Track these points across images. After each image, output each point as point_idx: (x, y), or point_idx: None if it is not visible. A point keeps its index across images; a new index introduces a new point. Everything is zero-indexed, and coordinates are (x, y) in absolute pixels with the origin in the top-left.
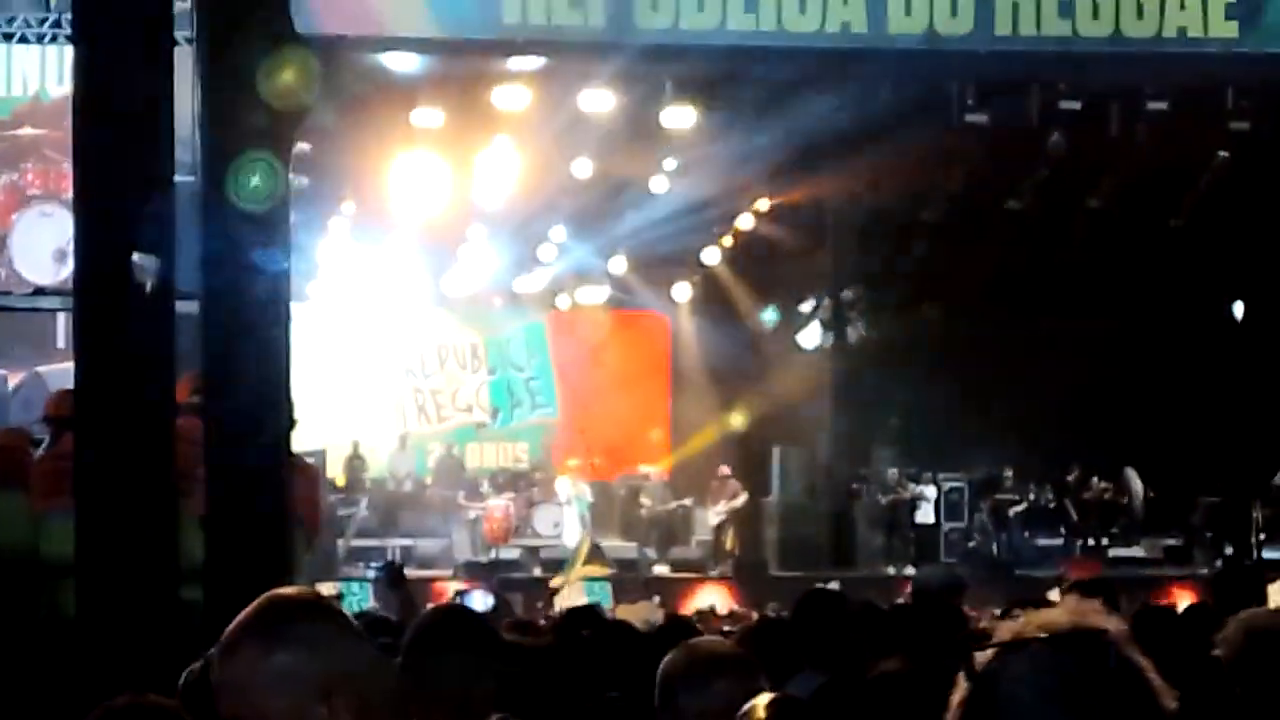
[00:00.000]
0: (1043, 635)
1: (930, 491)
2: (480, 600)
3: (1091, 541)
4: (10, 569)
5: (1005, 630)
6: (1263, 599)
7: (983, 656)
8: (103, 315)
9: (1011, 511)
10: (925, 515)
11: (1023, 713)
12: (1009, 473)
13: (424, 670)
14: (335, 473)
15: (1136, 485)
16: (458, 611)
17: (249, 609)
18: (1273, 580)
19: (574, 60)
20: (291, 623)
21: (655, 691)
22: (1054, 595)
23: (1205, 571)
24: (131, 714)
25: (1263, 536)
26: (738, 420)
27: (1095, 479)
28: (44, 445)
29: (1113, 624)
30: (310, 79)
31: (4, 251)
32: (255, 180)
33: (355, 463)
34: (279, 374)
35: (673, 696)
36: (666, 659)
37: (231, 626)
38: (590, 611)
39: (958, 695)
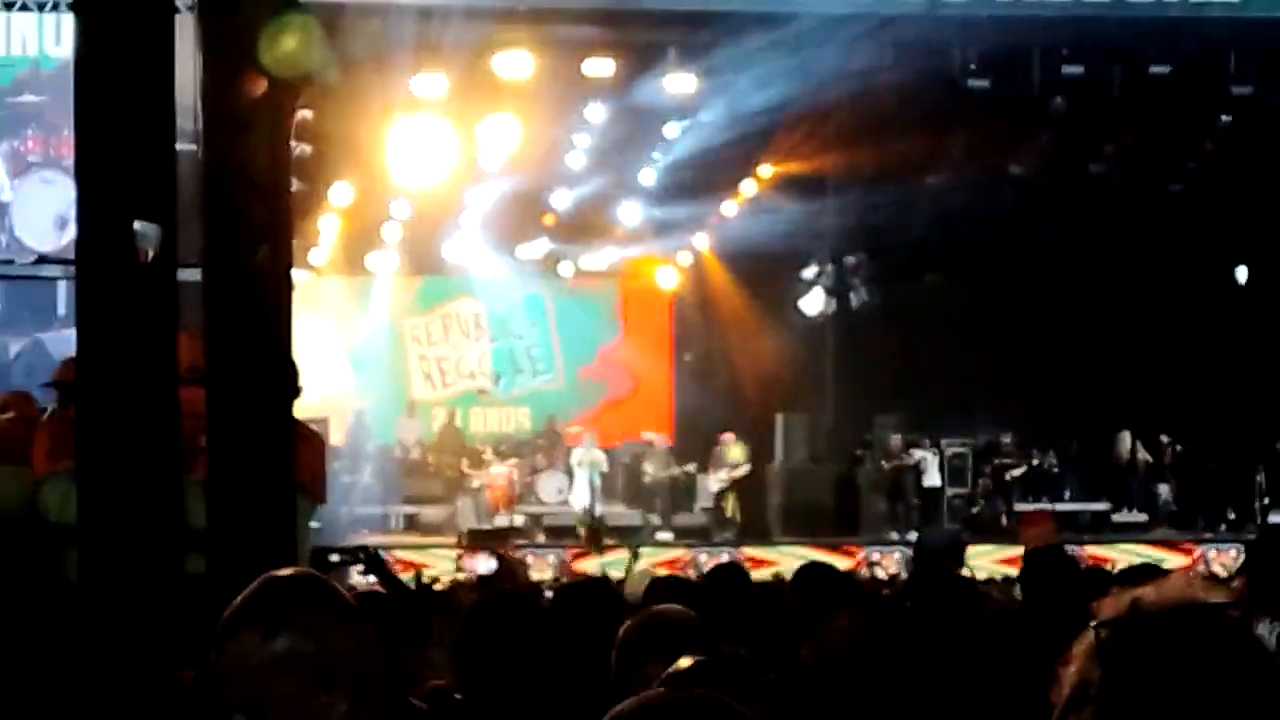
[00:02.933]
0: (1165, 609)
1: (935, 457)
2: (484, 564)
3: (1094, 507)
4: (11, 537)
5: (1116, 606)
6: None
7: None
8: (104, 283)
9: (1010, 476)
10: (930, 480)
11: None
12: (1007, 438)
13: None
14: (339, 440)
15: (1140, 450)
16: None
17: (247, 592)
18: None
19: (576, 27)
20: (292, 607)
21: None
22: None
23: (1209, 535)
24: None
25: (1266, 501)
26: (740, 387)
27: (1121, 441)
28: (49, 411)
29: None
30: (312, 46)
31: (5, 218)
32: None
33: (359, 430)
34: (281, 342)
35: (631, 663)
36: (624, 627)
37: (230, 609)
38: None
39: (1077, 675)
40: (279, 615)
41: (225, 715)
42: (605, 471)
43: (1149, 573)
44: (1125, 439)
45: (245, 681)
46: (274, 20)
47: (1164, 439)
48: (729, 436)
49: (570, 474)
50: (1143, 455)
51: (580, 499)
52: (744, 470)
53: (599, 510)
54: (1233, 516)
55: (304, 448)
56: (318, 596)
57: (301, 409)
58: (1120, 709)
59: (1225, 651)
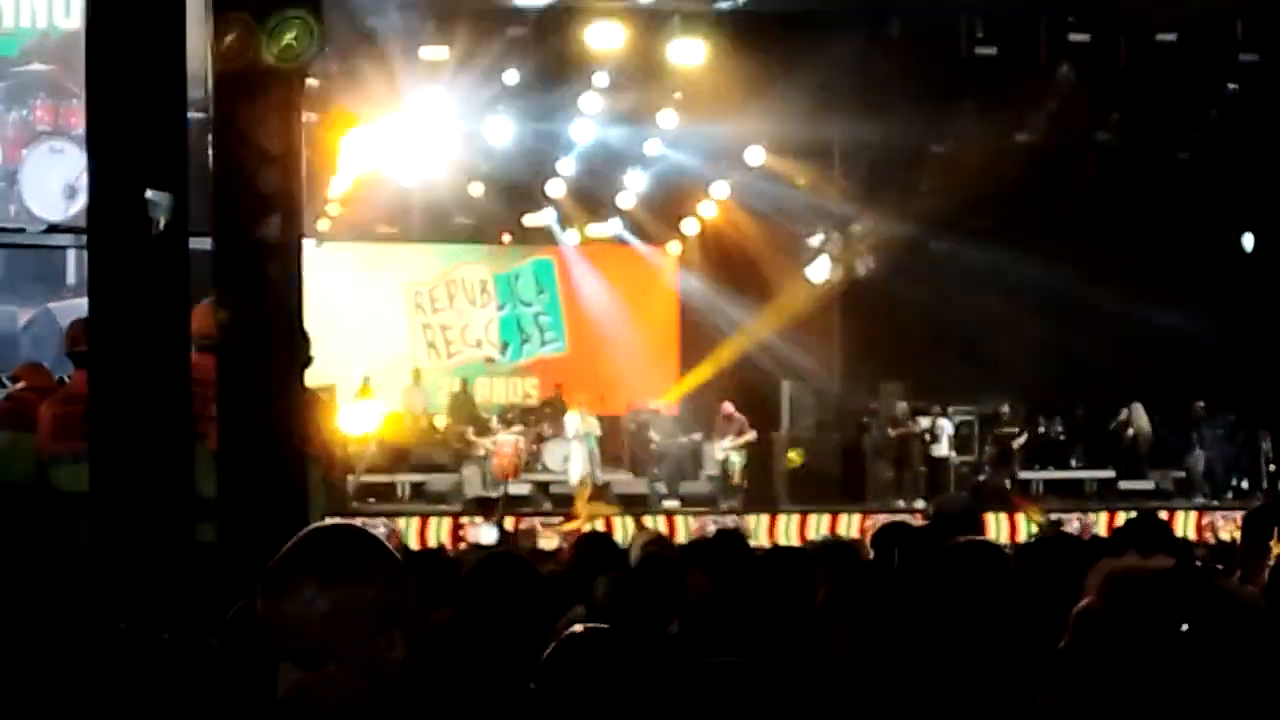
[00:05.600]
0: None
1: (947, 425)
2: (486, 534)
3: (1100, 474)
4: (20, 504)
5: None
6: None
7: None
8: (116, 252)
9: (1014, 444)
10: (940, 449)
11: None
12: (1005, 408)
13: None
14: (347, 408)
15: (1143, 419)
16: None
17: (295, 543)
18: None
19: None
20: (347, 555)
21: None
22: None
23: (1216, 503)
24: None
25: (1272, 468)
26: (747, 355)
27: (1124, 411)
28: (60, 382)
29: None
30: (312, 39)
31: (14, 187)
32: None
33: (366, 398)
34: (292, 310)
35: None
36: None
37: (278, 562)
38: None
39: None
40: (338, 563)
41: (264, 670)
42: (600, 437)
43: (1147, 525)
44: (1138, 410)
45: (305, 631)
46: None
47: (1199, 405)
48: (728, 406)
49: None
50: (1145, 422)
51: (576, 469)
52: (749, 438)
53: (600, 478)
54: (1243, 485)
55: (314, 416)
56: (369, 544)
57: (311, 377)
58: (1108, 667)
59: (1204, 612)
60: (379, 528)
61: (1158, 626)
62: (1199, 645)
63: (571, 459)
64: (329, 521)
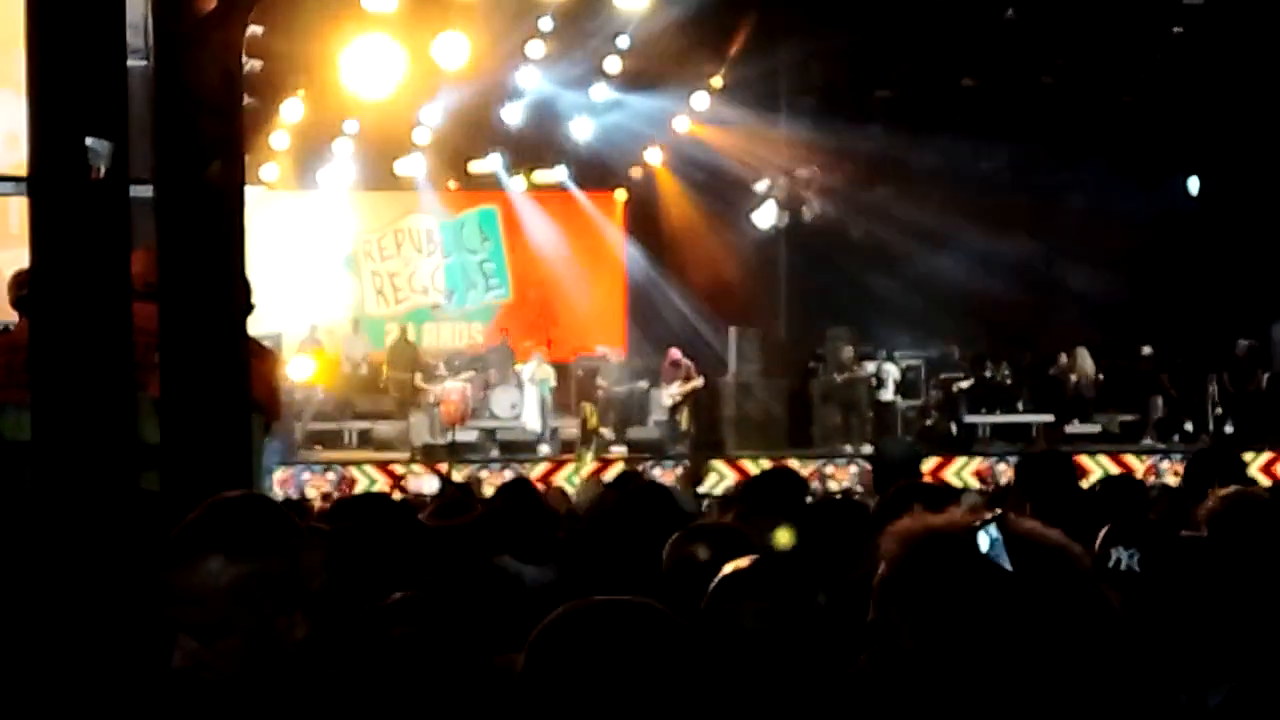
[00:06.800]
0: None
1: (893, 370)
2: (427, 484)
3: (1048, 418)
4: None
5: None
6: (1241, 475)
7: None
8: (57, 201)
9: (957, 388)
10: (886, 394)
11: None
12: (954, 352)
13: None
14: (292, 355)
15: (1087, 363)
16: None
17: (198, 516)
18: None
19: None
20: (253, 530)
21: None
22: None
23: (1163, 446)
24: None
25: (1219, 412)
26: (693, 301)
27: (1062, 356)
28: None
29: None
30: None
31: None
32: None
33: (312, 346)
34: (234, 258)
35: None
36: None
37: (182, 534)
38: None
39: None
40: (242, 538)
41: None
42: (554, 386)
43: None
44: (1083, 355)
45: (207, 606)
46: None
47: (1146, 350)
48: (675, 352)
49: (523, 389)
50: (1090, 366)
51: (531, 415)
52: (696, 384)
53: (551, 425)
54: (1188, 427)
55: (258, 365)
56: (276, 519)
57: (255, 325)
58: (913, 635)
59: (957, 571)
60: (329, 475)
61: (952, 585)
62: (1000, 596)
63: (523, 405)
64: (235, 493)
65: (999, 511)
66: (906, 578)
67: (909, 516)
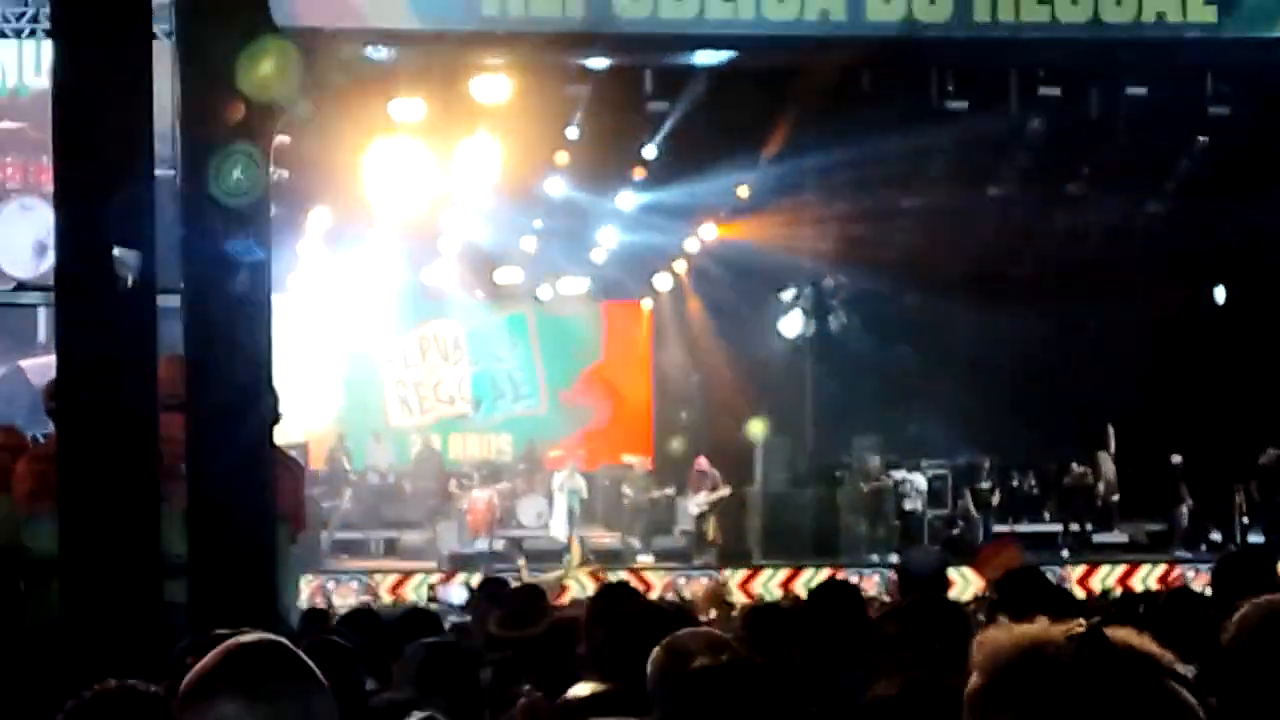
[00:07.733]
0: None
1: (920, 480)
2: (456, 593)
3: (1074, 528)
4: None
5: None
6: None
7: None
8: (84, 310)
9: (992, 499)
10: (913, 503)
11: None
12: (987, 461)
13: None
14: (319, 465)
15: (1109, 469)
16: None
17: (217, 657)
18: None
19: (553, 52)
20: (271, 673)
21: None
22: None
23: (1189, 555)
24: (122, 700)
25: (1246, 521)
26: (720, 410)
27: (1074, 465)
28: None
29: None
30: (290, 71)
31: None
32: (236, 174)
33: (339, 455)
34: (261, 367)
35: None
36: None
37: (200, 673)
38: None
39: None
40: (260, 682)
41: None
42: (585, 498)
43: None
44: (1105, 460)
45: None
46: (252, 45)
47: (1176, 459)
48: (702, 461)
49: (550, 498)
50: (1112, 471)
51: (559, 524)
52: (723, 493)
53: (578, 534)
54: (1216, 537)
55: (284, 475)
56: (293, 663)
57: (280, 434)
58: None
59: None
60: (353, 584)
61: (1049, 702)
62: (1097, 713)
63: (552, 514)
64: (254, 636)
65: (1097, 621)
66: (1002, 692)
67: (997, 627)
